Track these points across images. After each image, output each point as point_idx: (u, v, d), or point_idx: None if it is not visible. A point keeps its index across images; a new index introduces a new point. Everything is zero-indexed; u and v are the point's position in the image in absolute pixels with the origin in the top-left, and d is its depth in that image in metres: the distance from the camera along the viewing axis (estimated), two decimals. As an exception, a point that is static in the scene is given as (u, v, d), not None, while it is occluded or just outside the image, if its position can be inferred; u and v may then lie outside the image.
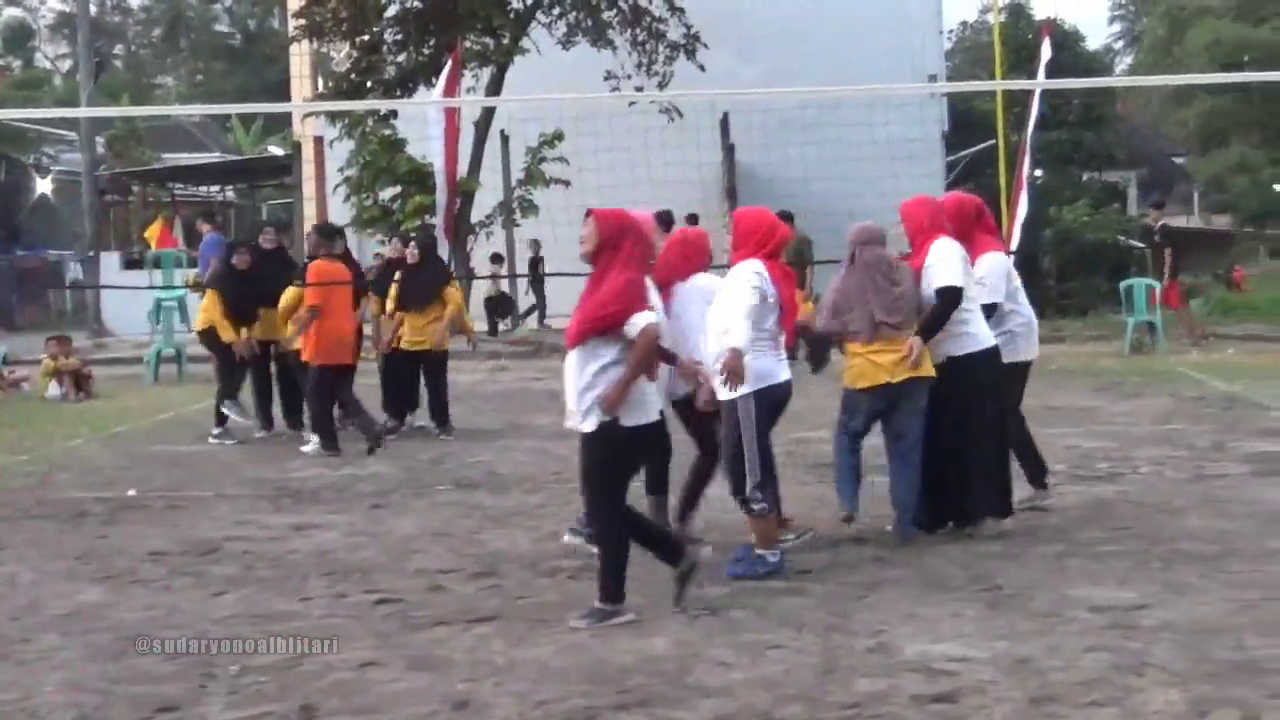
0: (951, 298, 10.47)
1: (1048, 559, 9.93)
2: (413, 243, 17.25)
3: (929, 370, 10.43)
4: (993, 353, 10.72)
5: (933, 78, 35.80)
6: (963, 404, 10.54)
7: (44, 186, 51.92)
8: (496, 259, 30.85)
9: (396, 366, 16.93)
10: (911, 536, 10.54)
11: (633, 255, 8.86)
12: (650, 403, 8.78)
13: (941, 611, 8.66)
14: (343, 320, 15.97)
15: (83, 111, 36.97)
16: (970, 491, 10.67)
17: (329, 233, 16.96)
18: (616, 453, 8.73)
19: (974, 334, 10.66)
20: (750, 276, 9.69)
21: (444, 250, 24.75)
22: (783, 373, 9.73)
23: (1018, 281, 11.48)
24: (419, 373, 16.90)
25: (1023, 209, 24.79)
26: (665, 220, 20.84)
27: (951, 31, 55.86)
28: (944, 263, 10.55)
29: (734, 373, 9.24)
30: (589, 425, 8.63)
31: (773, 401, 9.71)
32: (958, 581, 9.39)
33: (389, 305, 16.87)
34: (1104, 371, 22.36)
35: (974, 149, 40.76)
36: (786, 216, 25.36)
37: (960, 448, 10.57)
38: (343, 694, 7.46)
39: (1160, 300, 26.08)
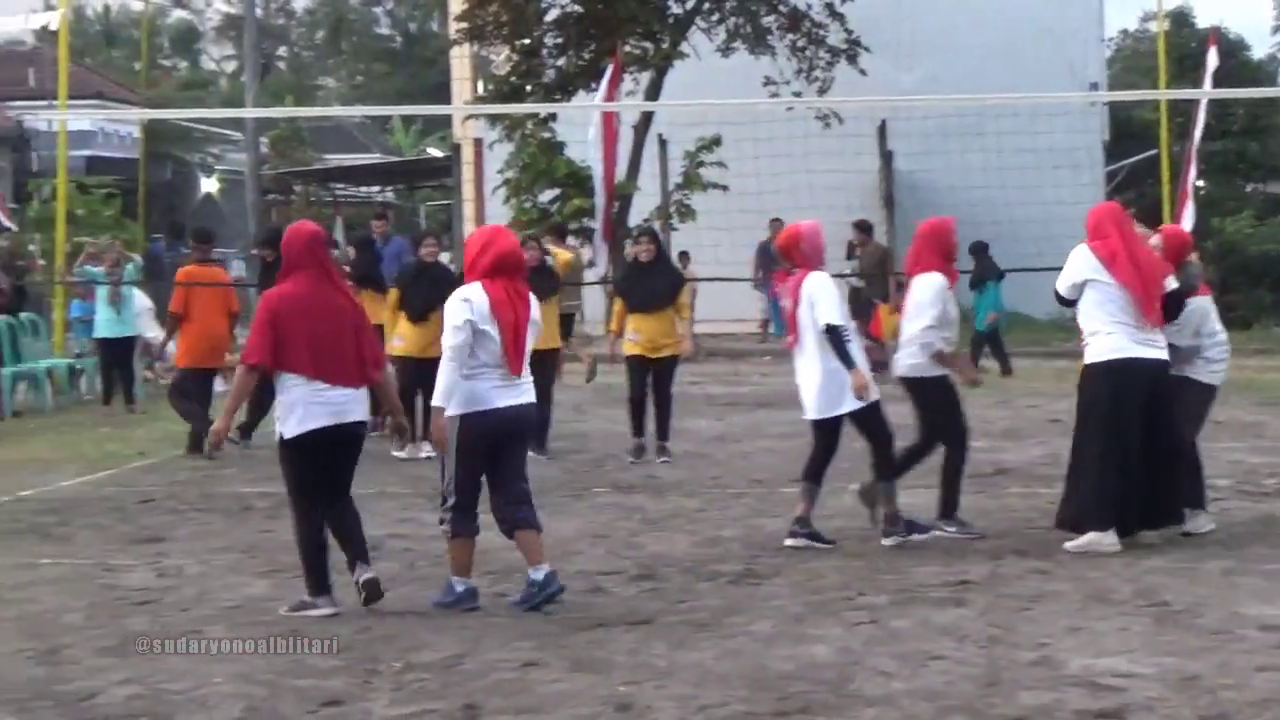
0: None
1: (1216, 575, 9.77)
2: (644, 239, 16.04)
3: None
4: (1104, 366, 10.65)
5: (1094, 86, 35.36)
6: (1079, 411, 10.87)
7: (209, 186, 52.66)
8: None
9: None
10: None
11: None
12: (327, 406, 9.06)
13: (1106, 626, 8.56)
14: (209, 325, 16.23)
15: (248, 112, 37.54)
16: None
17: (202, 237, 17.72)
18: (286, 461, 9.19)
19: (1091, 345, 10.72)
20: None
21: (602, 253, 24.85)
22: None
23: None
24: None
25: (1189, 220, 24.43)
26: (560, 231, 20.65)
27: (1112, 40, 55.15)
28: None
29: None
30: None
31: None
32: (1122, 596, 9.28)
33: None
34: (1269, 386, 21.97)
35: (1135, 159, 40.23)
36: (865, 228, 25.25)
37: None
38: (505, 693, 7.50)
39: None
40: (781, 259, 11.13)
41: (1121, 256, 10.54)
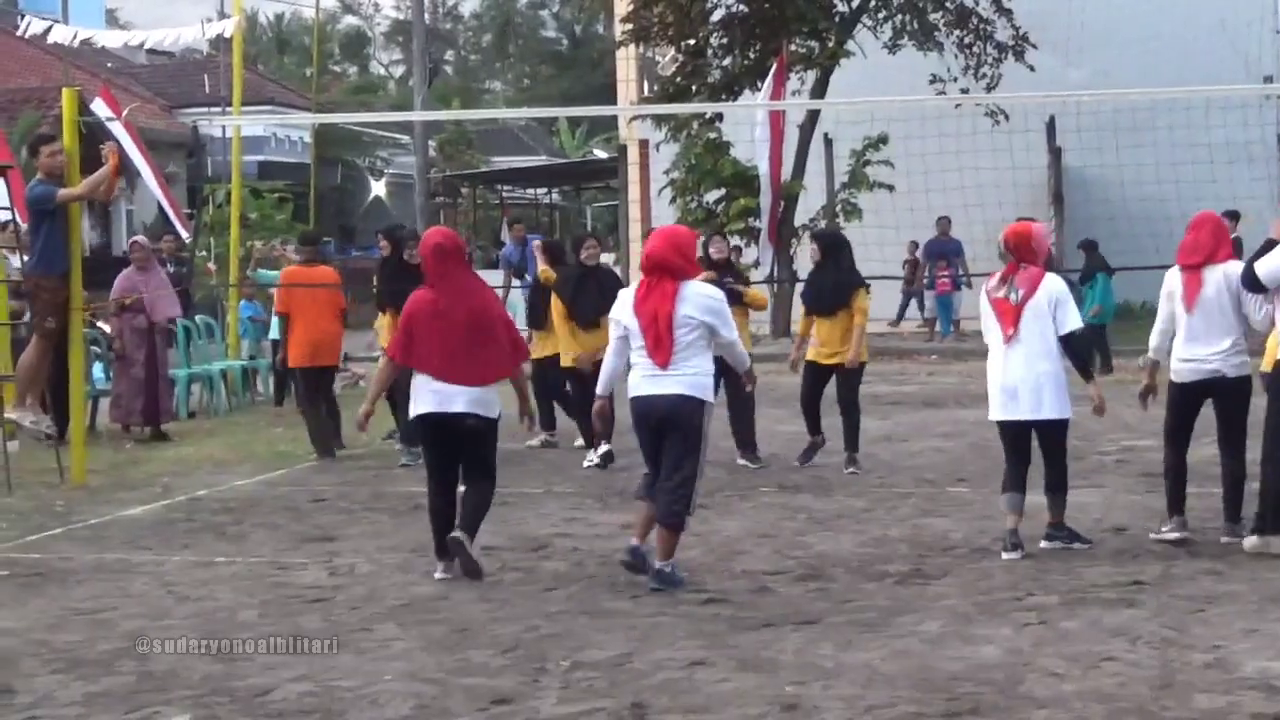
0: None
1: (1395, 576, 9.57)
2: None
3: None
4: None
5: (1269, 79, 34.70)
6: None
7: (378, 189, 53.36)
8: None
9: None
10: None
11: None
12: (429, 397, 10.14)
13: (1283, 628, 8.42)
14: (316, 324, 16.49)
15: (415, 115, 37.86)
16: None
17: (308, 240, 18.38)
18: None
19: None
20: None
21: (768, 253, 24.80)
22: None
23: None
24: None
25: (1364, 214, 23.90)
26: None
27: (1287, 31, 54.03)
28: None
29: None
30: None
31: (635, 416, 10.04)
32: (1299, 598, 9.12)
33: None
34: None
35: (1311, 153, 39.43)
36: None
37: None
38: (672, 693, 7.52)
39: None
40: (1011, 253, 10.66)
41: None
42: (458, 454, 10.26)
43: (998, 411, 10.64)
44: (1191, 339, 10.63)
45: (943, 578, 9.90)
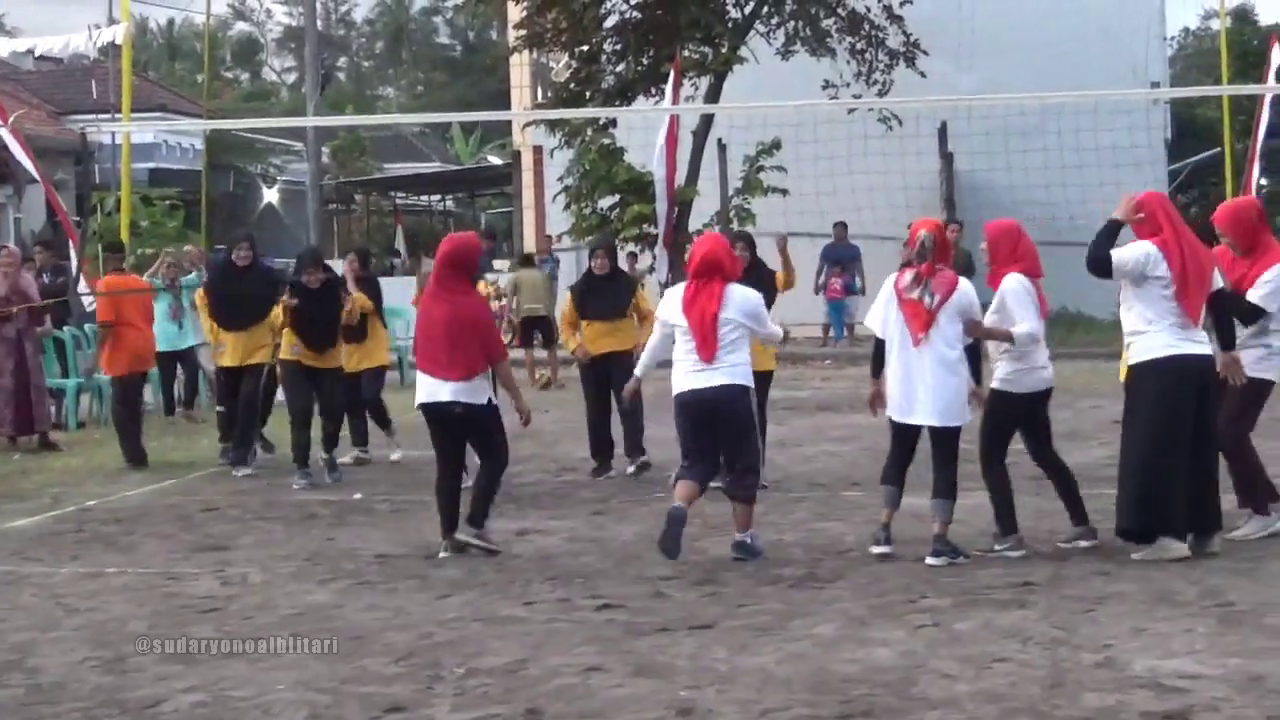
0: None
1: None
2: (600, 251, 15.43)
3: None
4: (1152, 365, 10.27)
5: (1155, 85, 35.16)
6: (1128, 412, 10.51)
7: (270, 196, 52.93)
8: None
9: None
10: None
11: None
12: (422, 389, 11.02)
13: (1171, 627, 8.50)
14: (139, 331, 16.77)
15: (309, 121, 37.60)
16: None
17: (115, 248, 19.07)
18: None
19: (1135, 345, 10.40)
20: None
21: (663, 260, 24.81)
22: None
23: None
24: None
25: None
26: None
27: (1173, 39, 54.71)
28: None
29: None
30: None
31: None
32: (1187, 597, 9.21)
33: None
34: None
35: (1198, 157, 39.98)
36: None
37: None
38: (568, 698, 7.51)
39: None
40: (931, 250, 10.39)
41: (1173, 248, 10.14)
42: (454, 438, 11.19)
43: (896, 412, 10.54)
44: (1041, 346, 10.72)
45: (836, 581, 9.94)
